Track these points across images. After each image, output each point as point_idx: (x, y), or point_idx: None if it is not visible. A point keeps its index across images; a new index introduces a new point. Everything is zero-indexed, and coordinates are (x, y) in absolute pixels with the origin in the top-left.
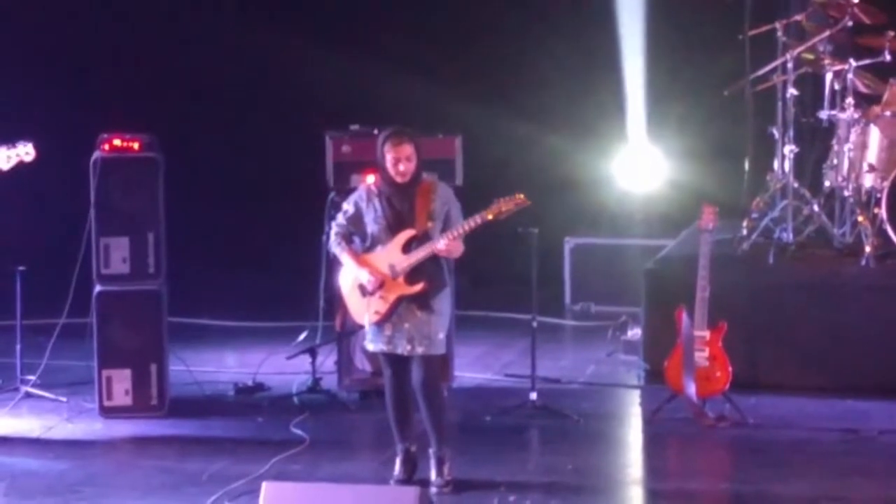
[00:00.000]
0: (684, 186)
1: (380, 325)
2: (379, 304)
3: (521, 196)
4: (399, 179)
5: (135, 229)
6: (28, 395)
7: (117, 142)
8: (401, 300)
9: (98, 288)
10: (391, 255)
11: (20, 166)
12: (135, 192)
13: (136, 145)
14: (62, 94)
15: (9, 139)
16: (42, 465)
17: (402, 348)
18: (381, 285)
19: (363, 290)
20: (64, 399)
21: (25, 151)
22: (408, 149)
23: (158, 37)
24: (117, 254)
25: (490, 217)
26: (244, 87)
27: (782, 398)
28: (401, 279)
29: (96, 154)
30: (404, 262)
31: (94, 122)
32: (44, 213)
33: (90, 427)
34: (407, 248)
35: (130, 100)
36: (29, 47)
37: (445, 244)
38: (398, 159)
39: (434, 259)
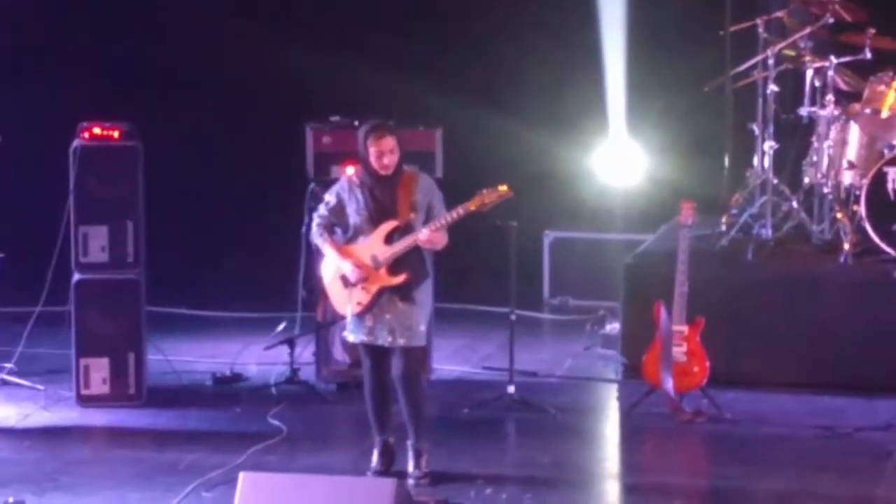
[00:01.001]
0: (664, 182)
1: (361, 315)
2: (361, 295)
3: (505, 188)
4: (382, 172)
5: (114, 218)
6: (4, 383)
7: (97, 130)
8: (383, 291)
9: (76, 276)
10: (373, 247)
11: None
12: (114, 180)
13: (115, 134)
14: (43, 81)
15: None
16: (18, 453)
17: (384, 339)
18: (363, 276)
19: (345, 280)
20: (41, 387)
21: None
22: (390, 142)
23: (140, 25)
24: (96, 242)
25: (473, 208)
26: (225, 77)
27: (759, 394)
28: (383, 270)
29: (76, 142)
30: (387, 252)
31: (75, 110)
32: (22, 200)
33: (67, 416)
34: (389, 239)
35: (111, 88)
36: (9, 32)
37: (428, 235)
38: (381, 153)
39: (416, 250)
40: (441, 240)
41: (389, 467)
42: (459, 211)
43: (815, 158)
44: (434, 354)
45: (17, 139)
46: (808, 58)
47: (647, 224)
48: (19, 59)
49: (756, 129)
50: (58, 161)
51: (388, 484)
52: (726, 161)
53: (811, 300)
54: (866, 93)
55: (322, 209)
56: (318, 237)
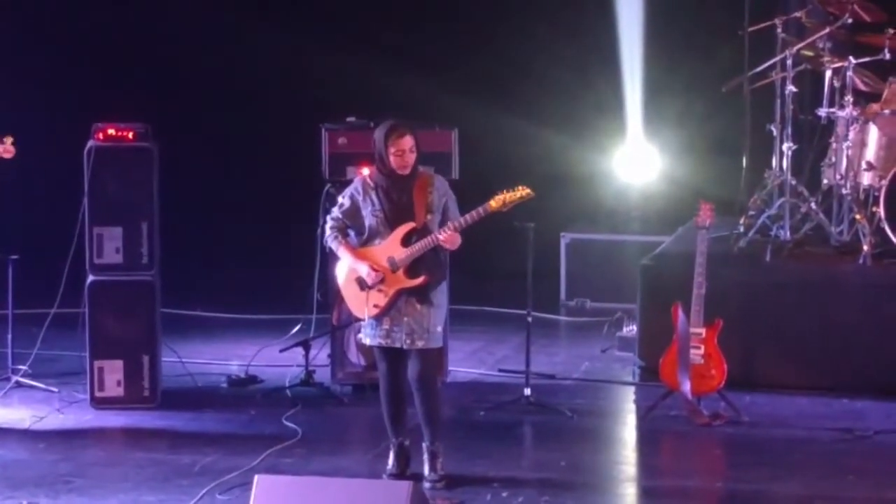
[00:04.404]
0: (681, 183)
1: (378, 318)
2: (378, 298)
3: (527, 189)
4: (401, 171)
5: (128, 219)
6: (19, 385)
7: (112, 131)
8: (400, 294)
9: (91, 278)
10: (390, 249)
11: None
12: (129, 181)
13: (130, 135)
14: (58, 82)
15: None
16: (32, 455)
17: (401, 342)
18: (380, 279)
19: (361, 283)
20: (55, 389)
21: (4, 149)
22: (410, 140)
23: (155, 26)
24: (110, 244)
25: (494, 207)
26: (240, 78)
27: (778, 397)
28: (401, 272)
29: (90, 143)
30: (405, 255)
31: (89, 111)
32: (37, 201)
33: (81, 418)
34: (407, 241)
35: (125, 89)
36: (23, 33)
37: (447, 236)
38: (403, 151)
39: (433, 251)
40: (458, 240)
41: (405, 470)
42: (480, 211)
43: (833, 159)
44: (450, 356)
45: (32, 141)
46: (826, 58)
47: (664, 225)
48: (35, 61)
49: (774, 130)
50: (72, 162)
51: (404, 487)
52: (744, 162)
53: (830, 302)
54: (885, 93)
55: (335, 211)
56: (332, 241)
